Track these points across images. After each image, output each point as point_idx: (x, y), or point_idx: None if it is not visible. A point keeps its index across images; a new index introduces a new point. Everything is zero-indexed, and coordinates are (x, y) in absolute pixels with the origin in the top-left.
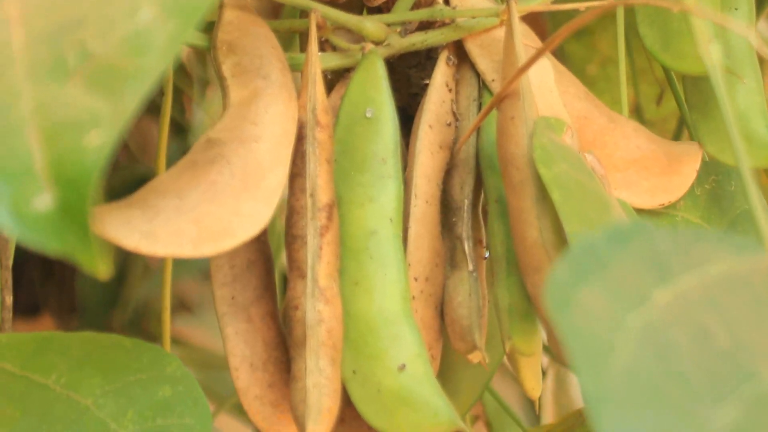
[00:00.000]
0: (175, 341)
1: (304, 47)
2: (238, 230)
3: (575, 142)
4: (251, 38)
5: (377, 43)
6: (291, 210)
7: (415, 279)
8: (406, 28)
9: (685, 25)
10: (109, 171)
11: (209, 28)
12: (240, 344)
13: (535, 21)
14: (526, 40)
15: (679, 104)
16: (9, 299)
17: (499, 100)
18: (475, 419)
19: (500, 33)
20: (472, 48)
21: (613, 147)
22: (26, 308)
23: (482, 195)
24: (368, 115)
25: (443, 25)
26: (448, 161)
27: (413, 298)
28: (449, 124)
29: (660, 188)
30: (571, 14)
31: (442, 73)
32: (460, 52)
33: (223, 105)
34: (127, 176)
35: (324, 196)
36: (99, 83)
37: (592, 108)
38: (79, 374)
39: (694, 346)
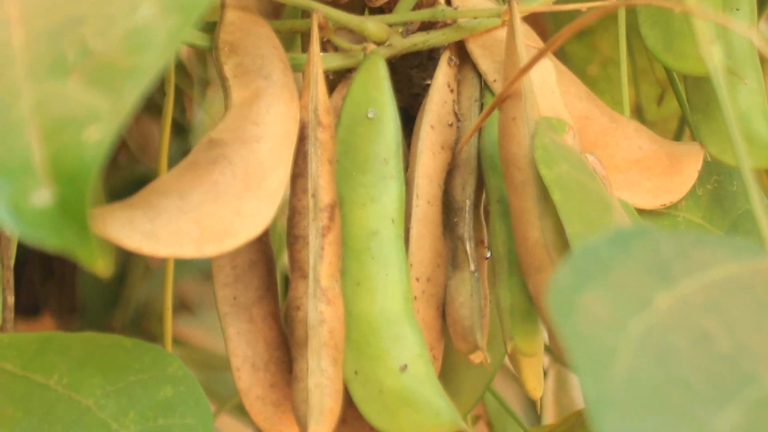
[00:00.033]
0: (176, 341)
1: (305, 47)
2: (240, 231)
3: (577, 142)
4: (253, 38)
5: (379, 44)
6: (293, 210)
7: (417, 279)
8: (408, 29)
9: (687, 26)
10: (110, 171)
11: (211, 28)
12: (242, 344)
13: (535, 21)
14: (527, 40)
15: (681, 104)
16: (11, 299)
17: (501, 101)
18: (476, 419)
19: (502, 33)
20: (474, 48)
21: (614, 147)
22: (27, 308)
23: (484, 195)
24: (370, 115)
25: (445, 25)
26: (450, 162)
27: (415, 298)
28: (451, 125)
29: (661, 189)
30: (571, 14)
31: (443, 74)
32: (461, 52)
33: (224, 105)
34: (128, 176)
35: (326, 197)
36: (98, 80)
37: (594, 108)
38: (81, 374)
39: (696, 350)
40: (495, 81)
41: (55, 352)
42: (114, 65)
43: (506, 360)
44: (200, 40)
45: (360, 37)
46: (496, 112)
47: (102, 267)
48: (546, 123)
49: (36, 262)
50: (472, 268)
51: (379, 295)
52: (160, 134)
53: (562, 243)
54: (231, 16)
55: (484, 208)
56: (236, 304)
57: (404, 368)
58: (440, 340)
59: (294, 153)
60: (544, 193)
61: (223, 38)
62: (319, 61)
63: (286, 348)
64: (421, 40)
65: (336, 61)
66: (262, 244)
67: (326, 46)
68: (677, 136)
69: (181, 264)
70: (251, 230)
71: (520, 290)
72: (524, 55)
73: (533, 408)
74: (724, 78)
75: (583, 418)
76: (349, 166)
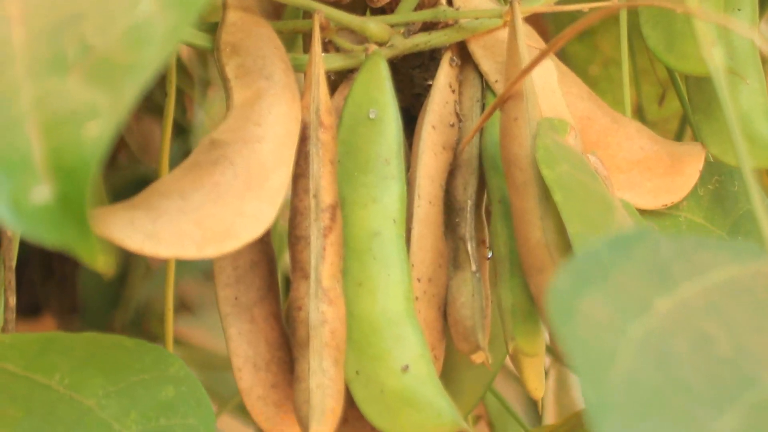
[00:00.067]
0: (176, 341)
1: (307, 48)
2: (242, 231)
3: (578, 143)
4: (254, 39)
5: (380, 44)
6: (294, 211)
7: (418, 280)
8: (410, 29)
9: (688, 26)
10: (111, 171)
11: (213, 29)
12: (243, 345)
13: (536, 22)
14: (529, 41)
15: (682, 105)
16: (12, 300)
17: (503, 101)
18: (477, 419)
19: (503, 34)
20: (476, 49)
21: (616, 148)
22: (27, 308)
23: (485, 196)
24: (371, 116)
25: (446, 26)
26: (452, 162)
27: (416, 298)
28: (452, 125)
29: (663, 189)
30: (573, 15)
31: (445, 74)
32: (463, 53)
33: (226, 106)
34: (129, 176)
35: (327, 197)
36: (98, 76)
37: (595, 108)
38: (82, 375)
39: (696, 353)
40: (496, 81)
41: (57, 352)
42: (113, 61)
43: (507, 360)
44: (202, 40)
45: (362, 38)
46: (497, 113)
47: (102, 264)
48: (547, 123)
49: (36, 262)
50: (474, 268)
51: (380, 295)
52: (162, 134)
53: (564, 243)
54: (232, 16)
55: (486, 209)
56: (238, 305)
57: (406, 368)
58: (442, 340)
59: (296, 153)
60: (545, 194)
61: (225, 39)
62: (321, 62)
63: (287, 348)
64: (423, 41)
65: (338, 62)
66: (264, 244)
67: (328, 46)
68: (678, 137)
69: (182, 264)
70: (253, 231)
71: (521, 290)
72: (526, 56)
73: (534, 408)
74: (726, 78)
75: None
76: (351, 166)
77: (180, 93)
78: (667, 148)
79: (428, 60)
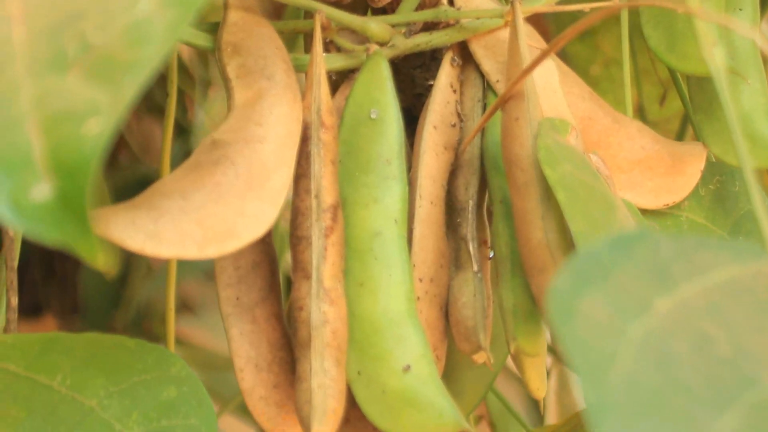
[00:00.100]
0: (177, 342)
1: (308, 48)
2: (243, 231)
3: (579, 142)
4: (255, 39)
5: (382, 44)
6: (296, 211)
7: (420, 280)
8: (411, 29)
9: (689, 26)
10: (112, 171)
11: (214, 29)
12: (245, 345)
13: (537, 22)
14: (530, 41)
15: (684, 104)
16: (14, 300)
17: (504, 101)
18: (479, 419)
19: (505, 34)
20: (477, 49)
21: (617, 147)
22: (29, 308)
23: (487, 196)
24: (373, 116)
25: (448, 26)
26: (453, 162)
27: (418, 298)
28: (454, 125)
29: (664, 189)
30: (573, 15)
31: (446, 74)
32: (464, 53)
33: (227, 106)
34: (130, 176)
35: (329, 197)
36: (98, 74)
37: (597, 108)
38: (84, 375)
39: (696, 353)
40: (498, 81)
41: (59, 352)
42: (113, 59)
43: (509, 360)
44: (203, 40)
45: (363, 38)
46: (499, 113)
47: (102, 262)
48: (549, 123)
49: (38, 262)
50: (475, 268)
51: (382, 295)
52: (163, 135)
53: (565, 243)
54: (234, 16)
55: (487, 209)
56: (239, 305)
57: (407, 369)
58: (443, 340)
59: (297, 154)
60: (547, 194)
61: (226, 39)
62: (322, 62)
63: (289, 348)
64: (424, 41)
65: (339, 62)
66: (265, 244)
67: (329, 46)
68: (679, 136)
69: (183, 264)
70: (254, 231)
71: (523, 291)
72: (527, 56)
73: (536, 408)
74: (727, 78)
75: None
76: (352, 166)
77: (181, 93)
78: (669, 148)
79: (429, 60)
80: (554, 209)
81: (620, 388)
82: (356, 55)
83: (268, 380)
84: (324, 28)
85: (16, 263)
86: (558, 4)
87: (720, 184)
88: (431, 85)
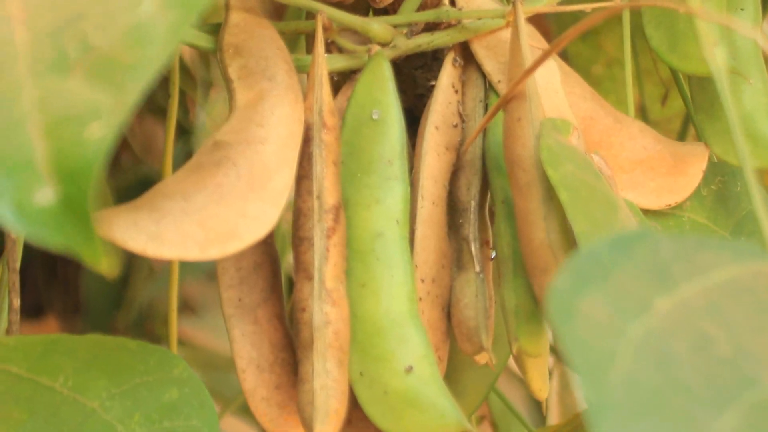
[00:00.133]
0: (179, 342)
1: (310, 49)
2: (245, 232)
3: (581, 143)
4: (257, 40)
5: (383, 45)
6: (298, 212)
7: (422, 280)
8: (413, 30)
9: (691, 26)
10: (114, 172)
11: (215, 30)
12: (247, 346)
13: (538, 22)
14: (532, 41)
15: (686, 104)
16: (16, 302)
17: (506, 102)
18: (480, 420)
19: (506, 34)
20: (479, 49)
21: (619, 147)
22: (30, 309)
23: (489, 196)
24: (375, 116)
25: (449, 26)
26: (455, 162)
27: (420, 299)
28: (455, 126)
29: (666, 189)
30: (575, 15)
31: (448, 75)
32: (466, 53)
33: (229, 107)
34: (131, 177)
35: (330, 198)
36: (100, 76)
37: (598, 108)
38: (86, 377)
39: (695, 353)
40: (499, 82)
41: (61, 354)
42: (115, 61)
43: (511, 360)
44: (205, 41)
45: (364, 39)
46: (500, 113)
47: (106, 266)
48: (551, 124)
49: (39, 263)
50: (477, 269)
51: (384, 296)
52: (165, 136)
53: (567, 244)
54: (235, 17)
55: (489, 209)
56: (241, 306)
57: (409, 369)
58: (445, 341)
59: (299, 155)
60: (549, 194)
61: (228, 40)
62: (324, 63)
63: (291, 349)
64: (426, 41)
65: (340, 63)
66: (267, 245)
67: (331, 47)
68: (681, 136)
69: (185, 265)
70: (256, 232)
71: (525, 291)
72: (529, 56)
73: (537, 408)
74: (728, 78)
75: None
76: (354, 167)
77: (182, 94)
78: (670, 148)
79: (431, 60)
80: (556, 209)
81: (620, 387)
82: (358, 55)
83: (270, 381)
84: (326, 29)
85: (18, 265)
86: (560, 4)
87: (722, 185)
88: (433, 86)
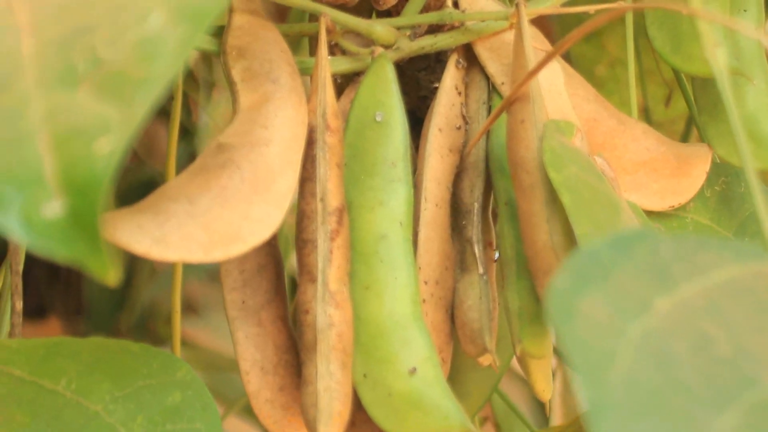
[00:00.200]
0: (182, 343)
1: (313, 51)
2: (249, 235)
3: (585, 144)
4: (261, 42)
5: (387, 47)
6: (301, 214)
7: (426, 282)
8: (416, 32)
9: (694, 28)
10: (116, 174)
11: (219, 32)
12: (251, 348)
13: (542, 23)
14: (535, 43)
15: (689, 106)
16: (19, 304)
17: (509, 104)
18: (484, 421)
19: (509, 36)
20: (482, 51)
21: (622, 149)
22: (33, 311)
23: (492, 198)
24: (378, 118)
25: (452, 28)
26: (458, 164)
27: (423, 301)
28: (459, 128)
29: (669, 190)
30: (579, 16)
31: (451, 77)
32: (469, 55)
33: (233, 109)
34: (134, 179)
35: (334, 201)
36: (109, 90)
37: (602, 110)
38: (89, 380)
39: (695, 353)
40: (503, 84)
41: (64, 357)
42: (124, 75)
43: (514, 361)
44: (208, 44)
45: (368, 41)
46: (504, 115)
47: (113, 278)
48: (554, 126)
49: (42, 265)
50: (481, 270)
51: (387, 298)
52: (168, 138)
53: (570, 246)
54: (238, 20)
55: (493, 211)
56: (245, 308)
57: (413, 371)
58: (449, 342)
59: (302, 157)
60: (552, 196)
61: (231, 42)
62: (327, 65)
63: (295, 351)
64: (429, 43)
65: (344, 65)
66: (271, 247)
67: (334, 49)
68: (684, 137)
69: (187, 265)
70: (260, 234)
71: (528, 293)
72: (532, 58)
73: (541, 409)
74: (731, 79)
75: None
76: (358, 169)
77: (185, 95)
78: (674, 150)
79: (434, 62)
80: (559, 211)
81: (620, 387)
82: (361, 57)
83: (274, 383)
84: (329, 31)
85: (20, 267)
86: (563, 5)
87: (725, 186)
88: (436, 88)
